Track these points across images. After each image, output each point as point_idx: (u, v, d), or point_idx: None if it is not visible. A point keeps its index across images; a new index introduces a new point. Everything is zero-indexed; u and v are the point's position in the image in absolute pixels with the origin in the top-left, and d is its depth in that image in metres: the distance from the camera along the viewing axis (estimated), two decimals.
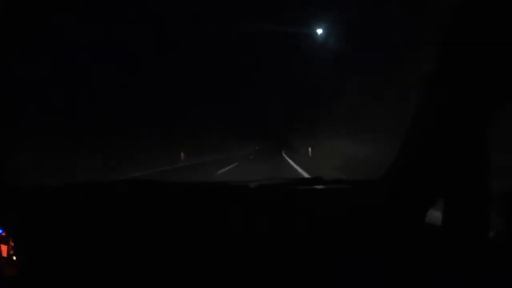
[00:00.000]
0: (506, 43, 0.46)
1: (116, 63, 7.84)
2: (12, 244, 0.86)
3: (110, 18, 7.04)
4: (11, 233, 0.86)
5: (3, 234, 0.87)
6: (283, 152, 16.72)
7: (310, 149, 10.52)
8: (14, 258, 0.85)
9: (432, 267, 0.63)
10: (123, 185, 1.15)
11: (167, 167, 8.64)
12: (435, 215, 0.69)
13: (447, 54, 0.56)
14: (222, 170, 7.03)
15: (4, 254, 0.86)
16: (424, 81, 0.61)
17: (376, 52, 5.12)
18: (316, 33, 8.15)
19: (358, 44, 5.90)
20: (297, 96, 16.31)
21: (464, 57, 0.51)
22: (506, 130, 0.57)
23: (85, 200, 0.97)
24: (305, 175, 5.30)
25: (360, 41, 5.80)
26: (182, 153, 11.29)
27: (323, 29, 7.90)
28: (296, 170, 6.42)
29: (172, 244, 0.80)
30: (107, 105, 7.81)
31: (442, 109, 0.57)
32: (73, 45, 6.12)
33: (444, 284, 0.60)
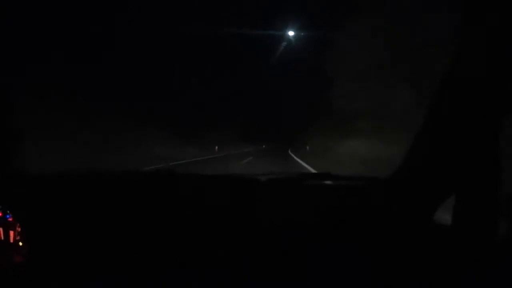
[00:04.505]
0: None
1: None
2: (19, 230, 0.87)
3: (107, 16, 7.10)
4: (19, 219, 0.88)
5: (10, 219, 0.88)
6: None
7: None
8: (21, 244, 0.86)
9: (438, 266, 0.63)
10: (133, 175, 1.16)
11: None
12: (444, 215, 0.68)
13: (461, 56, 0.55)
14: None
15: (11, 239, 0.87)
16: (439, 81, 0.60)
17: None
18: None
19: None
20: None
21: (477, 60, 0.51)
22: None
23: (94, 189, 0.99)
24: None
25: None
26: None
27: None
28: None
29: (180, 234, 0.81)
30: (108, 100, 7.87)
31: (454, 110, 0.57)
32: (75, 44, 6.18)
33: (449, 283, 0.60)
